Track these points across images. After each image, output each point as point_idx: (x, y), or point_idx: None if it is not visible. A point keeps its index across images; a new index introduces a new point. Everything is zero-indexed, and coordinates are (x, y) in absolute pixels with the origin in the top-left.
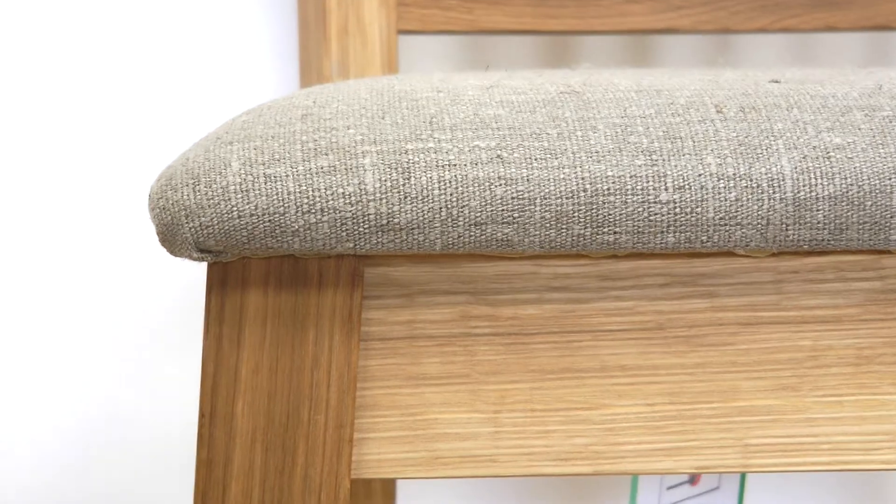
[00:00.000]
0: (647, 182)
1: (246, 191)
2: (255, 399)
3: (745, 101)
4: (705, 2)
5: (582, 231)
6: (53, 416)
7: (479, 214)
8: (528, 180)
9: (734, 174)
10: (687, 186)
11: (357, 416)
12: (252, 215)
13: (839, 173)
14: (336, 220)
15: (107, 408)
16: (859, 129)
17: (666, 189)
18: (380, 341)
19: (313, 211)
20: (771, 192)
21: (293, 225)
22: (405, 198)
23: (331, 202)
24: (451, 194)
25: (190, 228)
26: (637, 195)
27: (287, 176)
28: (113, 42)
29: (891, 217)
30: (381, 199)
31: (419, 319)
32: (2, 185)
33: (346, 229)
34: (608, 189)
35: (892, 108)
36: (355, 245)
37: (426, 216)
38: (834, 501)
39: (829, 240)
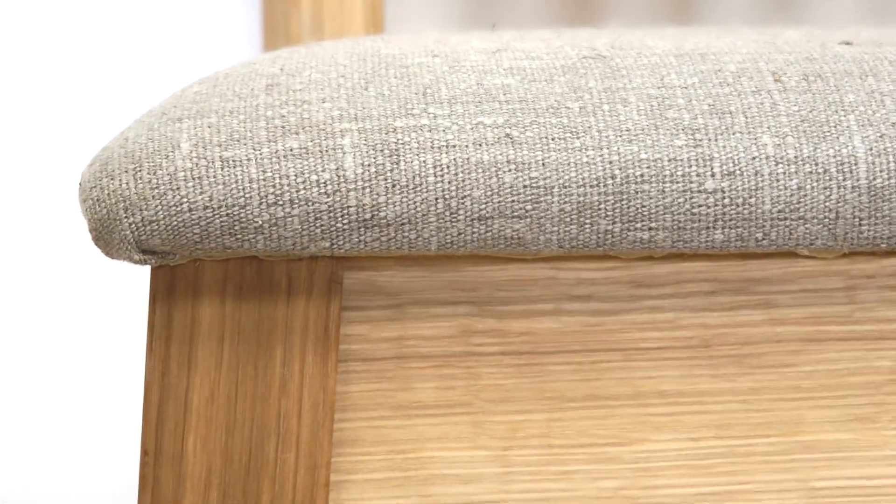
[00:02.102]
0: (690, 167)
1: (198, 178)
2: (210, 434)
3: (808, 68)
4: None
5: (610, 227)
6: None
7: (483, 207)
8: (543, 165)
9: (796, 157)
10: (738, 172)
11: (335, 453)
12: (206, 208)
13: None
14: (309, 213)
15: (34, 438)
16: None
17: (713, 175)
18: (363, 362)
19: (281, 203)
20: (841, 178)
21: (256, 220)
22: (393, 186)
23: (302, 192)
24: (449, 182)
25: (130, 224)
26: (677, 183)
27: (249, 160)
28: None
29: None
30: (363, 189)
31: (411, 335)
32: None
33: (322, 225)
34: (642, 175)
35: None
36: (332, 244)
37: (419, 209)
38: None
39: None
